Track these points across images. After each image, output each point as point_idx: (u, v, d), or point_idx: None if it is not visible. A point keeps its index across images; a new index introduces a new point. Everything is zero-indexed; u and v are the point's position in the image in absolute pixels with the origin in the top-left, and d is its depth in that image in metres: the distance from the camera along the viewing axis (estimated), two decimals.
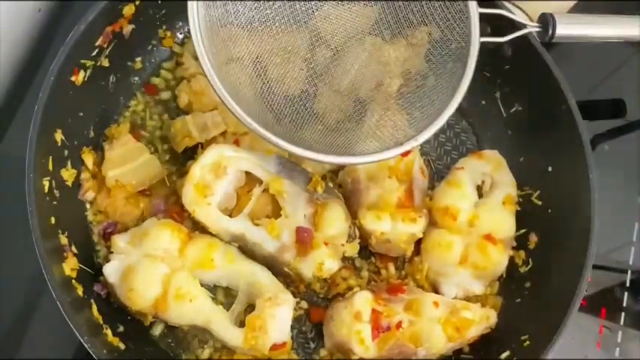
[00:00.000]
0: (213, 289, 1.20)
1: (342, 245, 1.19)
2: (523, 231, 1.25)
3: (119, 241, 1.17)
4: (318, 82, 1.10)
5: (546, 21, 1.10)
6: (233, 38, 1.02)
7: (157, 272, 1.13)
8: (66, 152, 1.20)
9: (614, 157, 1.40)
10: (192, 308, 1.13)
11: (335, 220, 1.17)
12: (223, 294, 1.21)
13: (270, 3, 1.06)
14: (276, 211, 1.18)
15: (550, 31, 1.10)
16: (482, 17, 1.07)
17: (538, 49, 1.19)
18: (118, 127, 1.29)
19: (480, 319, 1.17)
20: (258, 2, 1.05)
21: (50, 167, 1.15)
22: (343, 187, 1.27)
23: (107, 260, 1.17)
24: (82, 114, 1.24)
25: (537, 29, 1.12)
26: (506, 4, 1.22)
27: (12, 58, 1.33)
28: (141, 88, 1.35)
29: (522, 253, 1.25)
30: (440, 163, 1.34)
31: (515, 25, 1.12)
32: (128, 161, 1.24)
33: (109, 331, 1.13)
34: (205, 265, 1.15)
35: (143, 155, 1.25)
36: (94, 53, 1.22)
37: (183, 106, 1.31)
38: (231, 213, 1.19)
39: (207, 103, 1.28)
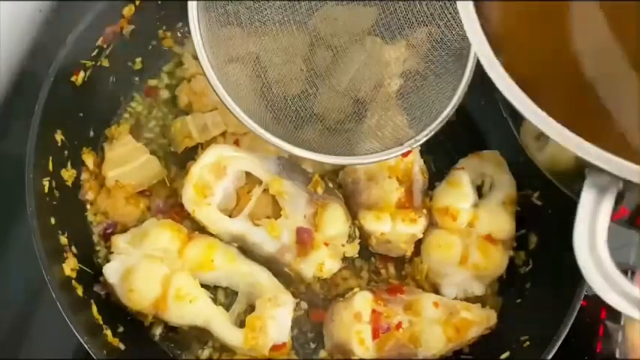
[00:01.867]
0: (213, 289, 1.20)
1: (343, 246, 1.19)
2: (523, 231, 1.25)
3: (119, 241, 1.17)
4: (318, 82, 1.10)
5: None
6: (233, 38, 1.02)
7: (157, 272, 1.13)
8: (66, 152, 1.20)
9: None
10: (193, 309, 1.12)
11: (335, 221, 1.17)
12: (223, 294, 1.21)
13: (270, 3, 1.06)
14: (277, 212, 1.18)
15: None
16: None
17: None
18: (118, 128, 1.29)
19: (480, 320, 1.17)
20: (258, 2, 1.05)
21: (50, 167, 1.15)
22: (343, 188, 1.26)
23: (107, 260, 1.17)
24: (82, 114, 1.24)
25: None
26: None
27: (12, 58, 1.33)
28: (141, 89, 1.35)
29: (522, 254, 1.25)
30: (440, 163, 1.34)
31: None
32: (128, 161, 1.24)
33: (109, 332, 1.13)
34: (205, 265, 1.15)
35: (143, 155, 1.25)
36: (94, 53, 1.22)
37: (183, 107, 1.31)
38: (231, 213, 1.19)
39: (207, 103, 1.27)
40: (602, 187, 0.66)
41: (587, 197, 0.67)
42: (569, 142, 0.64)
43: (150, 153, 1.26)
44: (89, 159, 1.25)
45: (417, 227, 1.21)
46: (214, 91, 0.95)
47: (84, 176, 1.25)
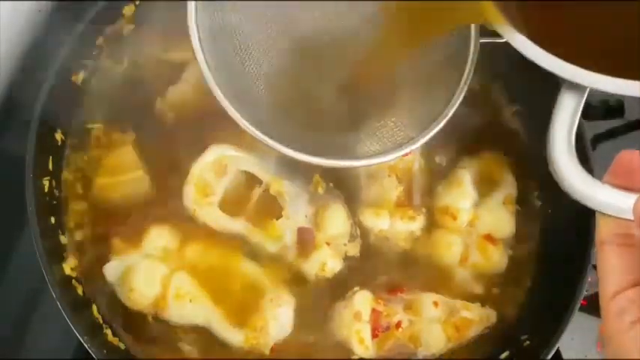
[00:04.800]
0: None
1: (344, 245, 1.19)
2: (523, 231, 1.25)
3: (119, 240, 1.17)
4: (319, 84, 1.09)
5: None
6: (233, 39, 1.02)
7: (157, 272, 1.13)
8: (66, 152, 1.20)
9: (614, 157, 1.39)
10: (193, 308, 1.13)
11: (336, 220, 1.17)
12: None
13: (271, 3, 1.05)
14: (277, 212, 1.18)
15: None
16: None
17: None
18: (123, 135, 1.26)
19: (480, 319, 1.17)
20: (258, 2, 1.04)
21: (50, 167, 1.16)
22: (343, 186, 1.26)
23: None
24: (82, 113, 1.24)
25: None
26: None
27: (12, 58, 1.33)
28: None
29: (522, 253, 1.25)
30: (440, 163, 1.33)
31: None
32: (118, 174, 1.21)
33: (109, 331, 1.13)
34: (205, 265, 1.15)
35: (135, 172, 1.21)
36: (94, 53, 1.22)
37: None
38: (231, 213, 1.19)
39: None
40: (578, 92, 0.77)
41: (565, 100, 0.78)
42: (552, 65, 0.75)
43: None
44: None
45: (416, 224, 1.21)
46: (213, 92, 0.95)
47: None
